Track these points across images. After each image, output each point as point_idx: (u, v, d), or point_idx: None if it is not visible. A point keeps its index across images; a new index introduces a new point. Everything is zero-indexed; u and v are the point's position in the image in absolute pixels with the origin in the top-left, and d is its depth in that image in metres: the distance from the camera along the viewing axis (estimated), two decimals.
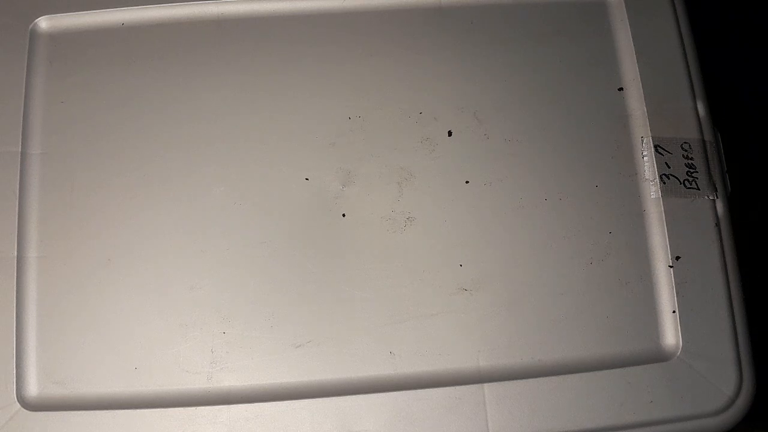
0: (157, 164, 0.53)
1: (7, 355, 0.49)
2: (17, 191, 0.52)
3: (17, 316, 0.50)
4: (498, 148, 0.54)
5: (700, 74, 0.56)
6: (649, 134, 0.54)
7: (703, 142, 0.54)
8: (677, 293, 0.51)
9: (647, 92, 0.55)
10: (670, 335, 0.50)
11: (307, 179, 0.53)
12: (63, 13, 0.56)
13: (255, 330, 0.50)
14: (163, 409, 0.48)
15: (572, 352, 0.50)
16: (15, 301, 0.50)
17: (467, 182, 0.53)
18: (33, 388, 0.49)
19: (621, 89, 0.55)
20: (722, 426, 0.49)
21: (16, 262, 0.50)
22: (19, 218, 0.51)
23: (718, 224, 0.52)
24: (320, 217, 0.52)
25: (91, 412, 0.48)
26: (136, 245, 0.51)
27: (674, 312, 0.51)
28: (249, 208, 0.52)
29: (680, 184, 0.53)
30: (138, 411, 0.48)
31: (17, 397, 0.48)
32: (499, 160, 0.53)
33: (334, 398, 0.49)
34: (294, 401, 0.49)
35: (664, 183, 0.53)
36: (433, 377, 0.49)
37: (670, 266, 0.51)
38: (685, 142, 0.54)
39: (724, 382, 0.49)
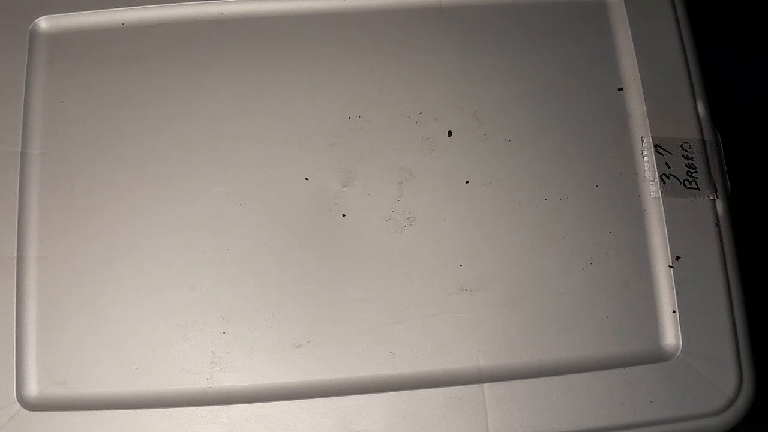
0: (157, 164, 0.53)
1: (7, 355, 0.49)
2: (17, 191, 0.52)
3: (17, 316, 0.50)
4: (498, 148, 0.54)
5: (700, 74, 0.56)
6: (649, 134, 0.54)
7: (703, 142, 0.54)
8: (677, 293, 0.51)
9: (647, 92, 0.55)
10: (670, 335, 0.50)
11: (307, 179, 0.53)
12: (63, 13, 0.56)
13: (255, 330, 0.50)
14: (163, 409, 0.48)
15: (572, 352, 0.50)
16: (15, 301, 0.50)
17: (467, 182, 0.53)
18: (33, 388, 0.49)
19: (621, 89, 0.55)
20: (722, 426, 0.49)
21: (16, 262, 0.50)
22: (19, 218, 0.51)
23: (718, 224, 0.52)
24: (320, 217, 0.52)
25: (91, 412, 0.48)
26: (136, 245, 0.51)
27: (674, 312, 0.51)
28: (249, 208, 0.52)
29: (680, 184, 0.53)
30: (138, 411, 0.48)
31: (17, 397, 0.48)
32: (499, 160, 0.53)
33: (334, 398, 0.49)
34: (294, 401, 0.49)
35: (664, 183, 0.53)
36: (433, 377, 0.49)
37: (670, 266, 0.51)
38: (685, 142, 0.54)
39: (724, 382, 0.49)
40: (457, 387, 0.49)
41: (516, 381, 0.49)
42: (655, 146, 0.53)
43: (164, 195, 0.52)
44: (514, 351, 0.50)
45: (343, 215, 0.52)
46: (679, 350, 0.50)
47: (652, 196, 0.53)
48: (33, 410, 0.48)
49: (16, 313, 0.50)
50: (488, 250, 0.52)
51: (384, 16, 0.57)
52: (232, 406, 0.49)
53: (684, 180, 0.53)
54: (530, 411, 0.49)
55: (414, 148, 0.54)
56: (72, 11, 0.56)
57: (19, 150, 0.53)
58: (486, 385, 0.49)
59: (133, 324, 0.50)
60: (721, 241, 0.52)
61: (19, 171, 0.52)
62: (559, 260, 0.52)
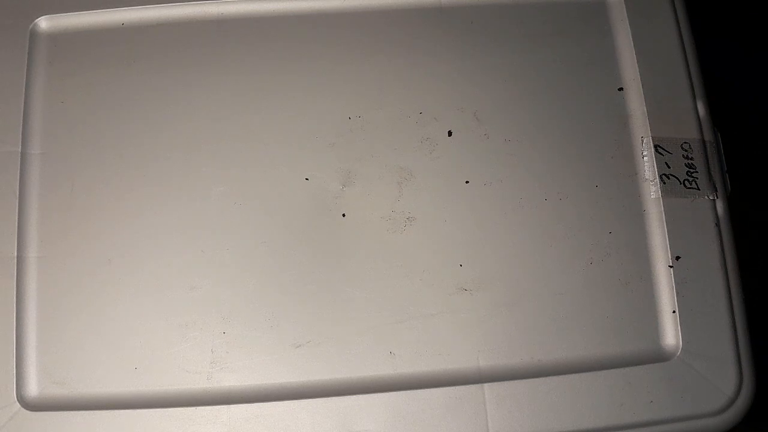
0: (157, 164, 0.53)
1: (7, 355, 0.49)
2: (17, 191, 0.52)
3: (17, 316, 0.50)
4: (498, 148, 0.54)
5: (700, 74, 0.56)
6: (649, 134, 0.54)
7: (703, 142, 0.54)
8: (677, 293, 0.51)
9: (647, 92, 0.55)
10: (670, 335, 0.50)
11: (307, 179, 0.53)
12: (63, 13, 0.56)
13: (255, 330, 0.50)
14: (163, 409, 0.48)
15: (572, 352, 0.50)
16: (15, 301, 0.50)
17: (467, 182, 0.53)
18: (33, 388, 0.49)
19: (621, 89, 0.55)
20: (722, 426, 0.49)
21: (16, 262, 0.50)
22: (19, 218, 0.51)
23: (718, 224, 0.52)
24: (320, 217, 0.52)
25: (91, 412, 0.48)
26: (136, 245, 0.51)
27: (674, 312, 0.51)
28: (249, 208, 0.52)
29: (680, 184, 0.53)
30: (138, 411, 0.48)
31: (17, 397, 0.48)
32: (499, 160, 0.53)
33: (334, 398, 0.49)
34: (294, 401, 0.49)
35: (664, 183, 0.53)
36: (433, 377, 0.49)
37: (670, 266, 0.51)
38: (685, 142, 0.54)
39: (724, 382, 0.49)
40: (457, 387, 0.49)
41: (516, 381, 0.49)
42: (655, 146, 0.53)
43: (164, 195, 0.52)
44: (514, 351, 0.50)
45: (343, 215, 0.52)
46: (679, 350, 0.50)
47: (652, 196, 0.53)
48: (33, 410, 0.48)
49: (16, 313, 0.50)
50: (488, 250, 0.52)
51: (384, 16, 0.57)
52: (232, 406, 0.49)
53: (684, 180, 0.53)
54: (530, 411, 0.49)
55: (414, 148, 0.54)
56: (72, 11, 0.56)
57: (19, 150, 0.53)
58: (486, 385, 0.49)
59: (133, 324, 0.50)
60: (721, 241, 0.52)
61: (19, 171, 0.52)
62: (559, 260, 0.52)
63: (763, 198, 0.89)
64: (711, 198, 0.53)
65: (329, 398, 0.49)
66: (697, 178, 0.53)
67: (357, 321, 0.50)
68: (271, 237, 0.52)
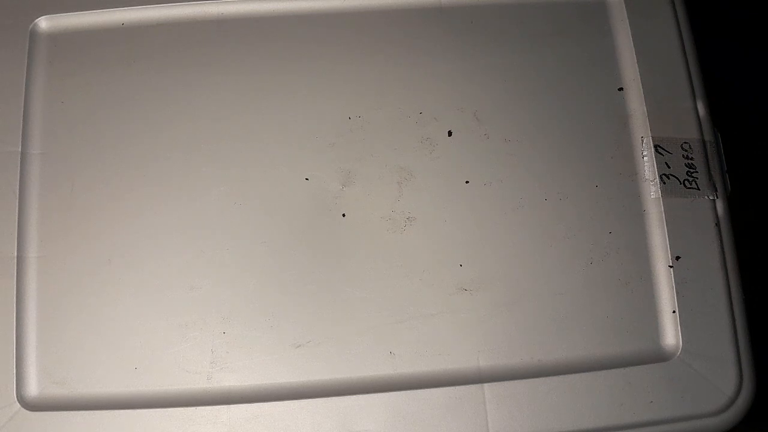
0: (157, 164, 0.53)
1: (7, 355, 0.49)
2: (17, 191, 0.52)
3: (17, 316, 0.50)
4: (498, 148, 0.54)
5: (700, 74, 0.56)
6: (649, 134, 0.54)
7: (703, 142, 0.54)
8: (677, 293, 0.51)
9: (647, 92, 0.55)
10: (670, 335, 0.51)
11: (307, 179, 0.53)
12: (63, 13, 0.56)
13: (255, 330, 0.50)
14: (163, 409, 0.48)
15: (572, 352, 0.50)
16: (15, 301, 0.50)
17: (467, 182, 0.53)
18: (33, 388, 0.49)
19: (621, 89, 0.55)
20: (722, 426, 0.49)
21: (16, 262, 0.50)
22: (19, 218, 0.51)
23: (718, 224, 0.52)
24: (320, 217, 0.52)
25: (91, 412, 0.48)
26: (136, 245, 0.51)
27: (674, 312, 0.51)
28: (249, 208, 0.52)
29: (680, 184, 0.53)
30: (138, 411, 0.48)
31: (17, 397, 0.48)
32: (499, 160, 0.53)
33: (334, 398, 0.49)
34: (294, 401, 0.49)
35: (664, 183, 0.53)
36: (433, 377, 0.49)
37: (670, 266, 0.51)
38: (685, 142, 0.54)
39: (724, 382, 0.49)
40: (457, 387, 0.49)
41: (516, 381, 0.49)
42: (655, 146, 0.53)
43: (164, 195, 0.52)
44: (514, 351, 0.50)
45: (343, 215, 0.52)
46: (679, 350, 0.50)
47: (652, 196, 0.53)
48: (33, 410, 0.48)
49: (16, 313, 0.50)
50: (488, 250, 0.52)
51: (384, 16, 0.57)
52: (232, 406, 0.49)
53: (684, 180, 0.53)
54: (530, 411, 0.49)
55: (414, 148, 0.54)
56: (72, 11, 0.56)
57: (19, 150, 0.53)
58: (486, 385, 0.49)
59: (133, 324, 0.50)
60: (721, 241, 0.52)
61: (19, 171, 0.52)
62: (559, 260, 0.52)
63: (763, 198, 0.89)
64: (711, 198, 0.53)
65: (329, 398, 0.49)
66: (697, 178, 0.53)
67: (357, 321, 0.50)
68: (271, 237, 0.52)
